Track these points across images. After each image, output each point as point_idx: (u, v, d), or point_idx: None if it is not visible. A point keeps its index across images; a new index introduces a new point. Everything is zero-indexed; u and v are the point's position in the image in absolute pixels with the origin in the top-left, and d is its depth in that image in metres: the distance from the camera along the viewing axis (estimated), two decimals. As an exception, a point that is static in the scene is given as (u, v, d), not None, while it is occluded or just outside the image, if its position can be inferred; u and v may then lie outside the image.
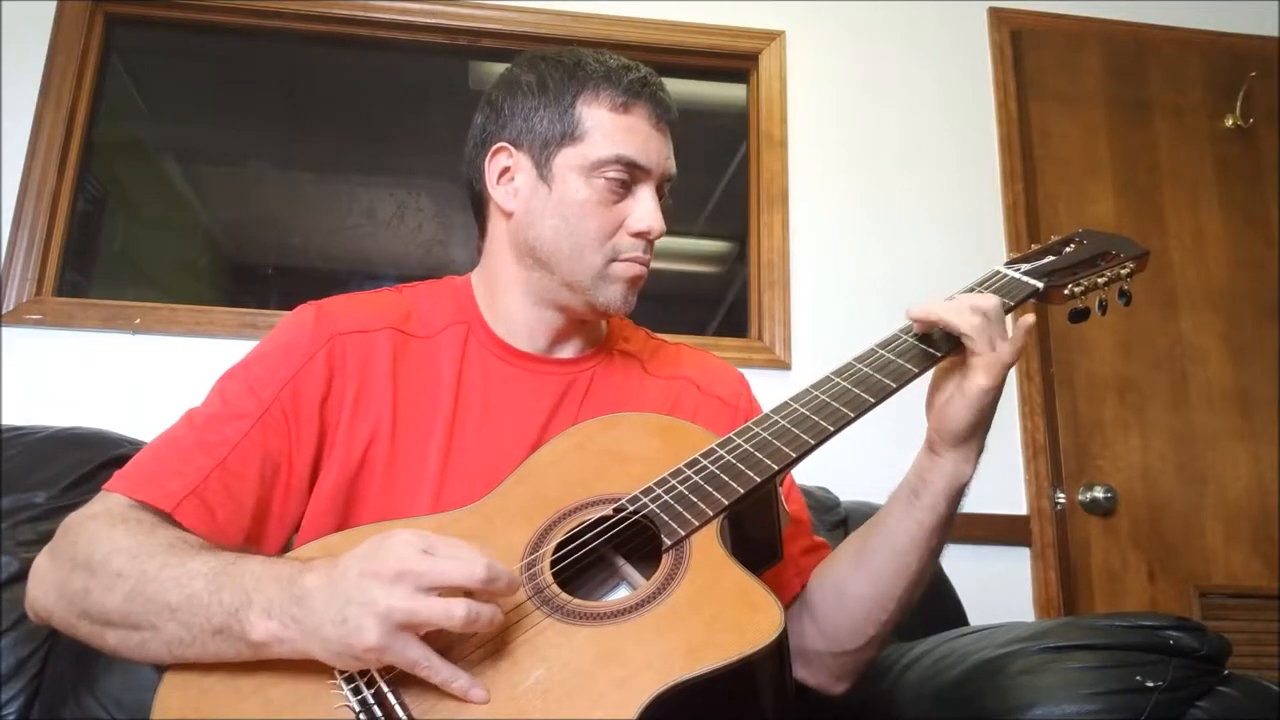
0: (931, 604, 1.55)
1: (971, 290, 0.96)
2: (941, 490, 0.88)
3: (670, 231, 1.00)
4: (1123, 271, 1.01)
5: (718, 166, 2.36)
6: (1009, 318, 0.91)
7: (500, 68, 1.07)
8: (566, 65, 0.99)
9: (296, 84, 2.34)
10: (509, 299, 1.03)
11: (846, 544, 0.98)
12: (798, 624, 0.97)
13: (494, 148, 1.01)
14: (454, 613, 0.67)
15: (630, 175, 0.97)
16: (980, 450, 0.89)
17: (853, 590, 0.93)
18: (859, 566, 0.94)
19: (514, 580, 0.71)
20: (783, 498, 0.93)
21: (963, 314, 0.86)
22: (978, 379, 0.85)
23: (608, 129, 0.96)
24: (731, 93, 2.35)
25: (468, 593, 0.69)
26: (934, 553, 0.91)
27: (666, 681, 0.67)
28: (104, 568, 0.77)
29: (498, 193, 1.01)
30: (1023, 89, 2.35)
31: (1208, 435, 2.18)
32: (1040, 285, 0.97)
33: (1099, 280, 1.00)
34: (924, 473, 0.90)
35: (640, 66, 1.01)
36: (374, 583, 0.67)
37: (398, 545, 0.69)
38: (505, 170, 1.01)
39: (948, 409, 0.87)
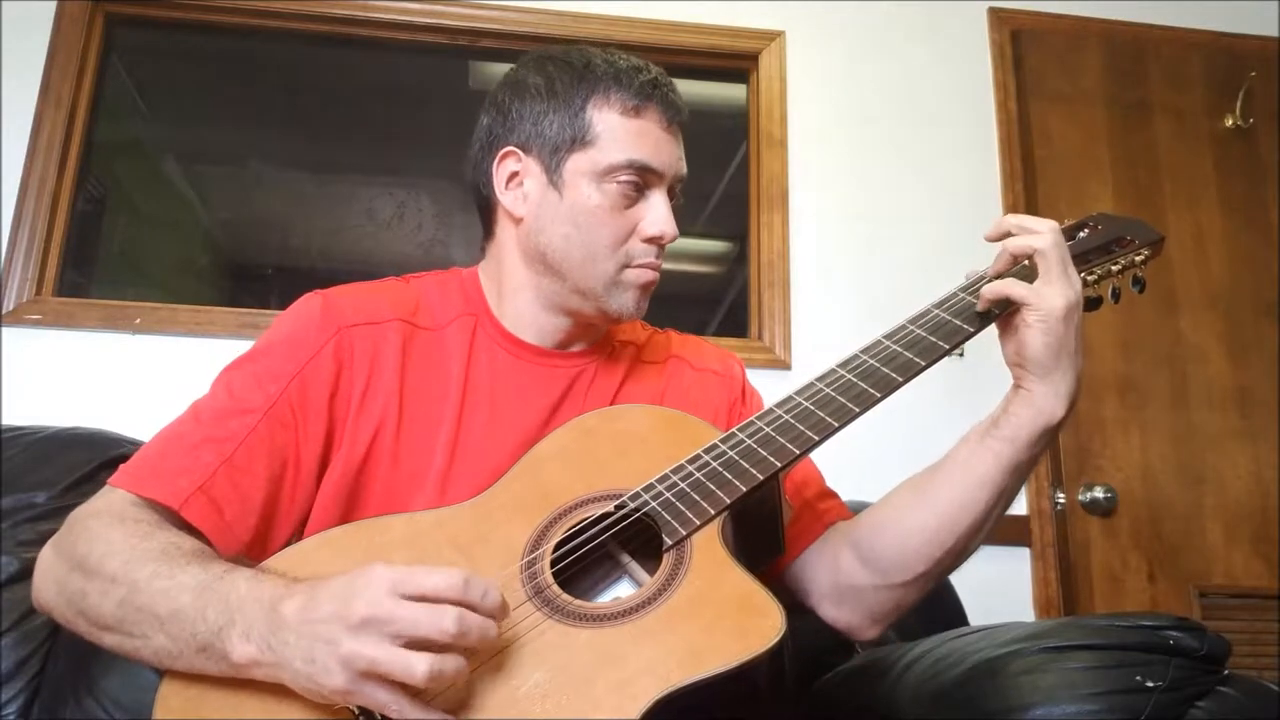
0: (931, 604, 1.55)
1: (984, 275, 0.93)
2: (1026, 421, 0.85)
3: (672, 232, 0.99)
4: (1138, 258, 0.98)
5: (718, 166, 2.36)
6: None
7: (501, 68, 1.06)
8: (575, 67, 0.97)
9: (296, 84, 2.34)
10: (519, 301, 1.01)
11: (906, 481, 0.95)
12: (833, 561, 0.95)
13: (502, 151, 0.99)
14: (414, 670, 0.64)
15: (643, 180, 0.96)
16: (1072, 392, 0.85)
17: (910, 521, 0.91)
18: (921, 496, 0.91)
19: (487, 632, 0.67)
20: (785, 492, 0.93)
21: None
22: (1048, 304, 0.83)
23: (619, 133, 0.95)
24: (731, 93, 2.35)
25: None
26: (1003, 494, 0.88)
27: (666, 687, 0.67)
28: (99, 572, 0.77)
29: (506, 198, 0.99)
30: (1023, 89, 2.35)
31: (1208, 435, 2.18)
32: None
33: (1113, 268, 0.97)
34: (1009, 404, 0.87)
35: (650, 67, 0.98)
36: (340, 626, 0.66)
37: (370, 586, 0.66)
38: (514, 175, 0.99)
39: (1023, 334, 0.84)
